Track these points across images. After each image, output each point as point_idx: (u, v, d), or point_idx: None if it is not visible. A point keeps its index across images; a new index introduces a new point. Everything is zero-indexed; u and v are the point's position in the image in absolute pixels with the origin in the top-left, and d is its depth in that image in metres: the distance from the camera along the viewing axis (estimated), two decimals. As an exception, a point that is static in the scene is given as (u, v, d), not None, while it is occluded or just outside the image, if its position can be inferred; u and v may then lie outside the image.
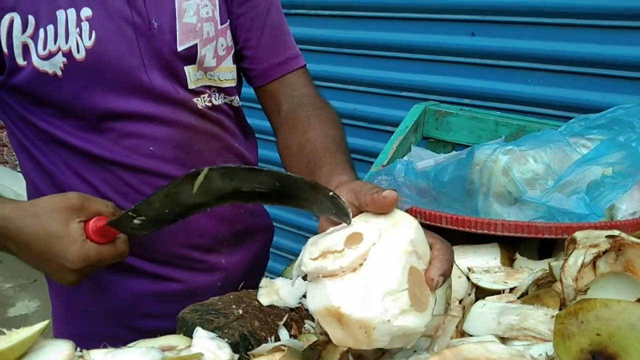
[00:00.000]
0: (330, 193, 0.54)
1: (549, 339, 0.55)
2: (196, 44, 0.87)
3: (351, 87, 1.89)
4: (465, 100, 1.60)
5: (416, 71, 1.70)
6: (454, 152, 1.15)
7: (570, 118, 1.18)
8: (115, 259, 0.75)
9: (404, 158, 1.23)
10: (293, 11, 1.95)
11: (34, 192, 0.93)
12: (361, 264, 0.50)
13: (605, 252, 0.61)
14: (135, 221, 0.67)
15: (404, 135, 1.24)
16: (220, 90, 0.94)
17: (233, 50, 0.93)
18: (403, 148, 1.24)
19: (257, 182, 0.56)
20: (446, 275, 0.53)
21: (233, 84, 0.96)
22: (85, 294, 0.96)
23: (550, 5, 1.41)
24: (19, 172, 3.46)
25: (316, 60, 1.92)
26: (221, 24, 0.90)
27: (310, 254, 0.52)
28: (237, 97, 0.98)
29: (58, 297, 1.01)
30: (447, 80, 1.64)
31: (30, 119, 0.85)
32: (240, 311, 0.64)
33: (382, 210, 0.54)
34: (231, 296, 0.68)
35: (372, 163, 1.31)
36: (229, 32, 0.92)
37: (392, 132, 1.34)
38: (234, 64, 0.94)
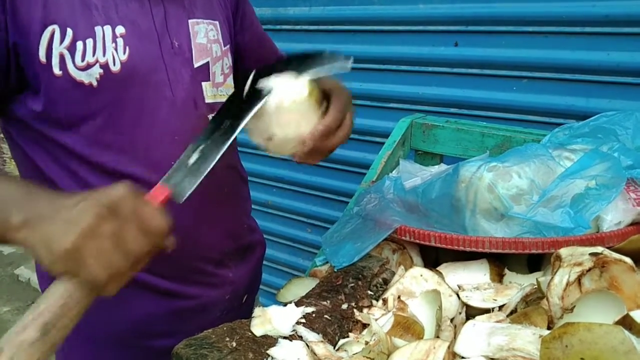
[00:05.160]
0: (328, 52, 0.91)
1: (538, 358, 0.56)
2: (208, 62, 0.95)
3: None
4: (452, 110, 1.62)
5: (402, 82, 1.71)
6: (440, 167, 1.16)
7: (555, 124, 1.19)
8: (152, 223, 0.61)
9: (393, 172, 1.24)
10: (278, 27, 1.97)
11: None
12: None
13: (589, 269, 0.63)
14: (191, 160, 0.73)
15: (392, 150, 1.25)
16: None
17: (232, 69, 1.02)
18: (392, 162, 1.25)
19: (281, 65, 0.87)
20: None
21: None
22: (97, 318, 0.96)
23: (530, 14, 1.43)
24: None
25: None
26: (224, 46, 0.99)
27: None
28: None
29: None
30: (433, 91, 1.65)
31: (46, 134, 0.84)
32: (234, 343, 0.65)
33: None
34: (224, 328, 0.68)
35: (362, 174, 1.32)
36: (229, 54, 1.01)
37: (381, 143, 1.34)
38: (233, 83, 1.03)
